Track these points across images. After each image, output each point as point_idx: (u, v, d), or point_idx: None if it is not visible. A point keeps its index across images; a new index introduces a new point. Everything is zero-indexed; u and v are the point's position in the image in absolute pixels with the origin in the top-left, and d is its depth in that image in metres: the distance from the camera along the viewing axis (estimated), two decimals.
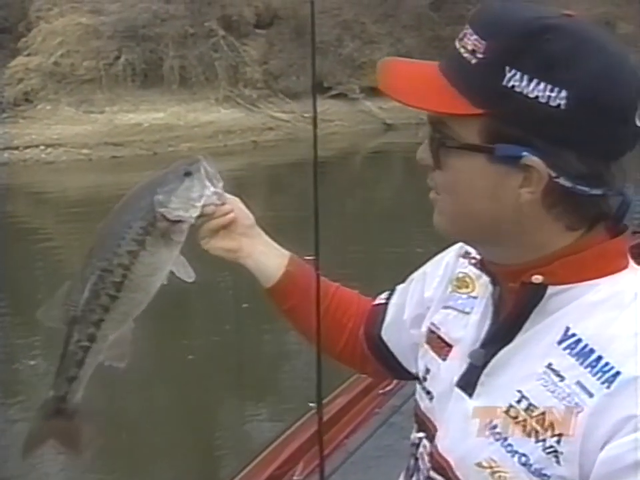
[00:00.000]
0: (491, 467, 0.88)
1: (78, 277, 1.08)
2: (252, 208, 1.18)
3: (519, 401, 0.85)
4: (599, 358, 0.81)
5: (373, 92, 14.22)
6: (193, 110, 14.79)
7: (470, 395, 0.92)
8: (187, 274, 1.09)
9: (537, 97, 0.81)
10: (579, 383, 0.81)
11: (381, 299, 1.20)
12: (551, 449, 0.82)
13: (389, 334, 1.16)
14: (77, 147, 13.95)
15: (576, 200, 0.84)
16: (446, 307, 1.03)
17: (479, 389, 0.91)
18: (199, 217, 1.09)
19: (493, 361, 0.90)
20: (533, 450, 0.84)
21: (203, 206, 1.08)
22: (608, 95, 0.82)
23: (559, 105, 0.80)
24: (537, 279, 0.86)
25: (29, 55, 15.09)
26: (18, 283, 7.89)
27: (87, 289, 1.07)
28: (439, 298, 1.06)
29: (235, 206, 1.15)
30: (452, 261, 1.06)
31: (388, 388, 2.87)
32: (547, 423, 0.83)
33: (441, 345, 1.02)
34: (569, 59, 0.81)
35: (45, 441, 1.12)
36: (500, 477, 0.87)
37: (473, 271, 1.00)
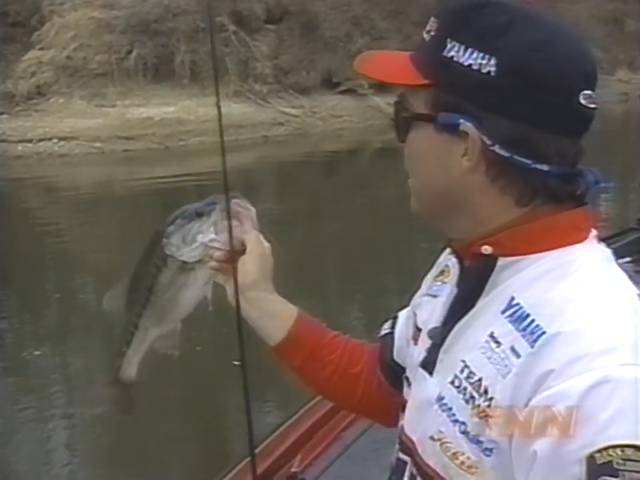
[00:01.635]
0: (440, 440, 0.89)
1: (127, 279, 1.24)
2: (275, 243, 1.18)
3: (461, 371, 0.87)
4: (531, 321, 0.82)
5: (381, 88, 14.20)
6: (204, 104, 14.81)
7: (430, 373, 0.94)
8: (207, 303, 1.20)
9: (470, 64, 0.85)
10: (512, 348, 0.82)
11: (385, 329, 1.19)
12: (483, 414, 0.83)
13: (401, 356, 1.13)
14: (90, 140, 14.03)
15: (519, 173, 0.85)
16: (425, 295, 1.06)
17: (438, 366, 0.92)
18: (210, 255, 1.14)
19: (449, 336, 0.91)
20: (470, 417, 0.85)
21: (209, 247, 1.13)
22: (539, 65, 0.84)
23: (489, 72, 0.84)
24: (486, 249, 0.88)
25: (42, 48, 15.18)
26: (30, 275, 7.97)
27: (132, 286, 1.23)
28: (424, 288, 1.08)
29: (258, 252, 1.15)
30: (442, 257, 1.07)
31: None
32: (482, 389, 0.84)
33: (415, 332, 1.04)
34: (502, 29, 0.85)
35: (112, 402, 1.37)
36: (447, 447, 0.88)
37: (452, 261, 1.00)
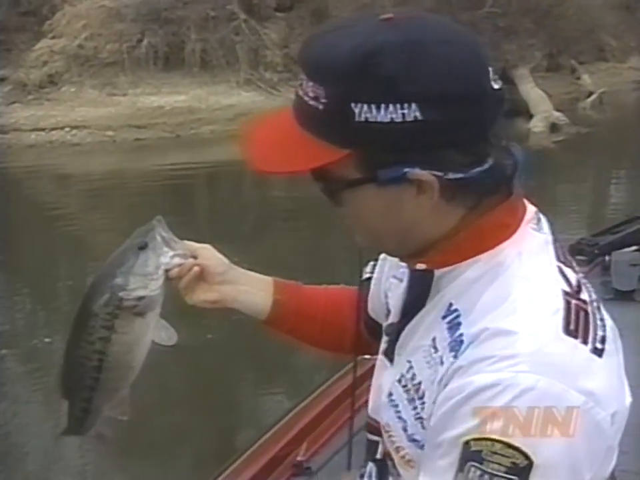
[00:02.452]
0: (387, 432, 0.98)
1: (64, 359, 1.14)
2: (245, 243, 1.21)
3: (407, 371, 0.93)
4: (461, 333, 0.87)
5: None
6: (214, 93, 14.83)
7: (391, 361, 1.00)
8: (169, 337, 1.12)
9: (391, 119, 0.82)
10: (442, 356, 0.88)
11: (366, 272, 1.21)
12: (418, 415, 0.90)
13: (375, 312, 1.19)
14: (101, 128, 14.06)
15: (471, 183, 0.87)
16: (394, 277, 1.08)
17: (395, 358, 0.98)
18: (169, 279, 1.10)
19: (402, 335, 0.96)
20: (410, 417, 0.92)
21: (167, 271, 1.09)
22: (455, 88, 0.83)
23: (415, 118, 0.82)
24: (420, 266, 0.93)
25: (53, 37, 15.18)
26: (41, 262, 8.04)
27: (71, 374, 1.13)
28: (391, 266, 1.11)
29: (204, 256, 1.14)
30: None
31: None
32: (420, 392, 0.91)
33: (386, 313, 1.08)
34: (404, 72, 0.82)
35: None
36: (393, 441, 0.96)
37: None
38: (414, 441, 0.91)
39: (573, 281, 0.89)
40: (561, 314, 0.85)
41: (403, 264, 1.03)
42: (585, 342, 0.84)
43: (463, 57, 0.85)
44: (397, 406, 0.94)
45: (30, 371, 5.63)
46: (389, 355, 1.00)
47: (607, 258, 3.69)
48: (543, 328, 0.83)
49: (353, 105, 0.83)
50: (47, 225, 9.41)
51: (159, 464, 4.52)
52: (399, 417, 0.94)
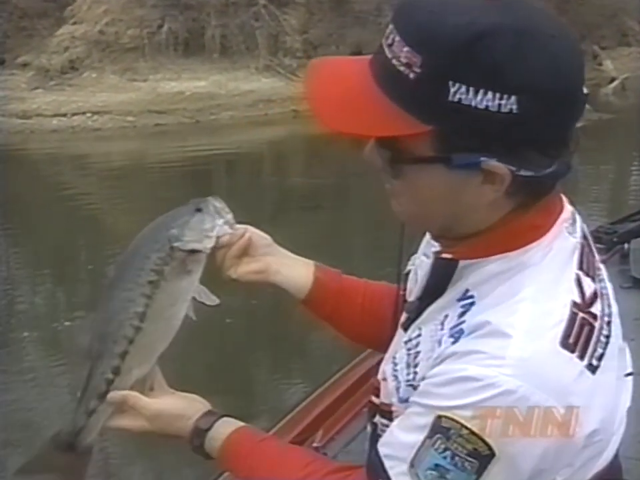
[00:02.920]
0: (384, 379, 1.01)
1: (101, 308, 1.09)
2: (263, 229, 1.17)
3: (415, 337, 0.96)
4: (463, 321, 0.89)
5: None
6: (234, 79, 14.83)
7: (405, 332, 1.01)
8: (210, 299, 1.11)
9: (486, 106, 0.79)
10: (442, 337, 0.90)
11: (409, 264, 1.18)
12: (409, 382, 0.95)
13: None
14: (122, 114, 14.13)
15: (535, 182, 0.85)
16: (424, 254, 1.08)
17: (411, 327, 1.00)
18: (217, 248, 1.11)
19: (421, 316, 0.97)
20: (403, 379, 0.96)
21: (218, 237, 1.10)
22: (556, 86, 0.81)
23: (510, 110, 0.80)
24: (446, 255, 0.94)
25: (74, 23, 15.24)
26: (62, 246, 8.11)
27: (110, 320, 1.07)
28: (424, 245, 1.10)
29: (249, 230, 1.15)
30: None
31: None
32: (416, 360, 0.94)
33: (414, 289, 1.08)
34: (511, 62, 0.79)
35: (45, 472, 1.09)
36: (387, 394, 1.00)
37: None
38: (405, 402, 0.94)
39: (588, 292, 0.89)
40: (562, 325, 0.85)
41: (435, 243, 1.02)
42: (581, 357, 0.85)
43: (568, 55, 0.83)
44: (396, 364, 0.98)
45: (50, 354, 5.70)
46: (406, 327, 1.01)
47: (625, 246, 3.66)
48: (539, 337, 0.84)
49: (450, 82, 0.79)
50: (69, 208, 9.48)
51: (175, 448, 4.56)
52: (395, 376, 0.97)
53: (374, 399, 1.05)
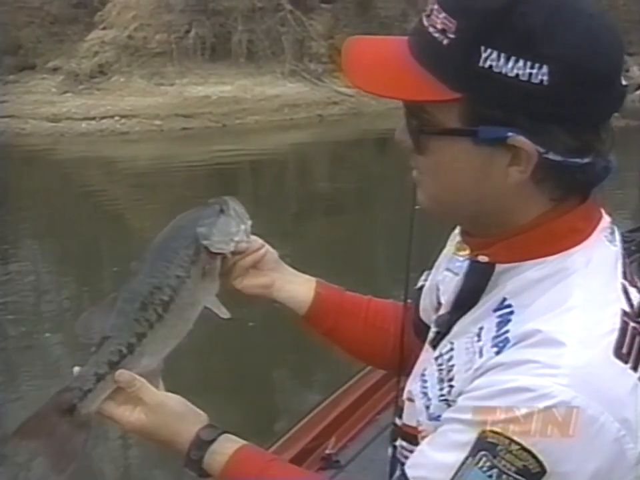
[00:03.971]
0: (410, 399, 0.95)
1: (125, 288, 1.07)
2: (287, 233, 1.21)
3: (447, 351, 0.90)
4: (507, 330, 0.83)
5: None
6: (260, 83, 14.90)
7: (434, 349, 0.94)
8: (221, 311, 1.09)
9: (517, 75, 0.76)
10: (483, 347, 0.84)
11: (421, 280, 1.14)
12: (443, 397, 0.88)
13: (426, 314, 1.11)
14: (150, 117, 14.26)
15: (566, 172, 0.81)
16: (447, 269, 1.03)
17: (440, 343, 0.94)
18: (233, 253, 1.09)
19: (453, 328, 0.91)
20: (435, 396, 0.89)
21: (237, 243, 1.08)
22: (591, 63, 0.78)
23: (541, 81, 0.76)
24: (483, 258, 0.87)
25: (104, 28, 15.43)
26: (88, 247, 8.21)
27: (135, 300, 1.04)
28: (446, 260, 1.04)
29: (257, 245, 1.14)
30: (458, 229, 1.02)
31: None
32: (450, 374, 0.88)
33: (437, 305, 1.02)
34: (546, 31, 0.76)
35: (42, 435, 1.01)
36: (414, 413, 0.93)
37: None
38: (436, 419, 0.88)
39: (635, 302, 0.85)
40: (615, 335, 0.80)
41: (461, 258, 0.97)
42: (634, 368, 0.80)
43: (606, 36, 0.80)
44: (425, 382, 0.92)
45: (73, 354, 5.77)
46: (435, 344, 0.95)
47: None
48: (593, 346, 0.79)
49: (482, 47, 0.77)
50: (96, 211, 9.62)
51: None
52: (424, 393, 0.91)
53: (397, 420, 1.00)
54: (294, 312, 1.17)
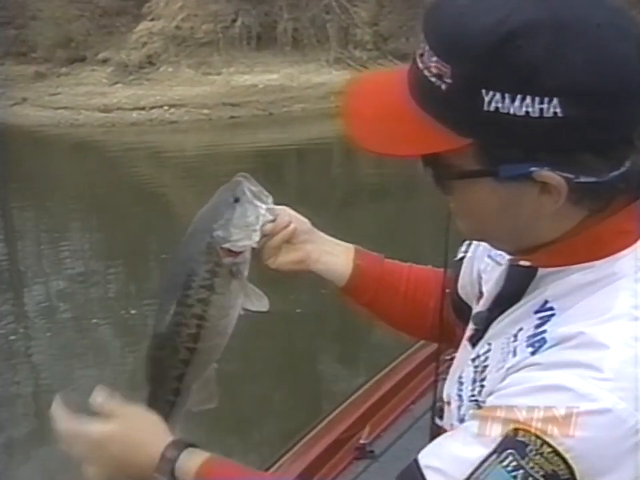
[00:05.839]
0: (448, 403, 0.92)
1: (154, 332, 1.02)
2: (303, 212, 1.10)
3: (484, 353, 0.86)
4: (544, 331, 0.79)
5: None
6: (305, 71, 14.90)
7: (473, 347, 0.91)
8: (260, 303, 1.03)
9: (527, 113, 0.71)
10: (520, 345, 0.80)
11: (461, 251, 1.09)
12: (473, 398, 0.84)
13: (464, 290, 1.07)
14: (198, 107, 14.39)
15: (604, 186, 0.76)
16: (489, 256, 0.99)
17: (479, 342, 0.91)
18: (263, 236, 1.02)
19: (491, 327, 0.88)
20: (467, 397, 0.86)
21: (260, 230, 1.01)
22: (604, 81, 0.72)
23: (555, 114, 0.71)
24: (525, 263, 0.84)
25: (152, 19, 15.62)
26: (136, 236, 8.34)
27: (165, 346, 1.00)
28: (488, 246, 0.99)
29: (289, 215, 1.07)
30: None
31: (455, 354, 2.78)
32: (483, 375, 0.84)
33: (479, 295, 0.99)
34: (548, 61, 0.71)
35: None
36: (449, 416, 0.90)
37: None
38: (464, 420, 0.84)
39: None
40: None
41: None
42: None
43: (617, 44, 0.73)
44: (462, 384, 0.88)
45: (119, 339, 5.90)
46: (474, 342, 0.91)
47: None
48: (638, 352, 0.75)
49: (483, 91, 0.72)
50: (147, 199, 9.74)
51: (240, 433, 4.67)
52: (459, 396, 0.88)
53: (437, 420, 0.97)
54: (332, 283, 1.12)
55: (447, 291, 1.08)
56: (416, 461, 0.78)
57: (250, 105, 14.37)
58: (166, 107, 14.51)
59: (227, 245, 0.99)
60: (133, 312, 6.32)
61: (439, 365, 1.06)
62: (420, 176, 0.83)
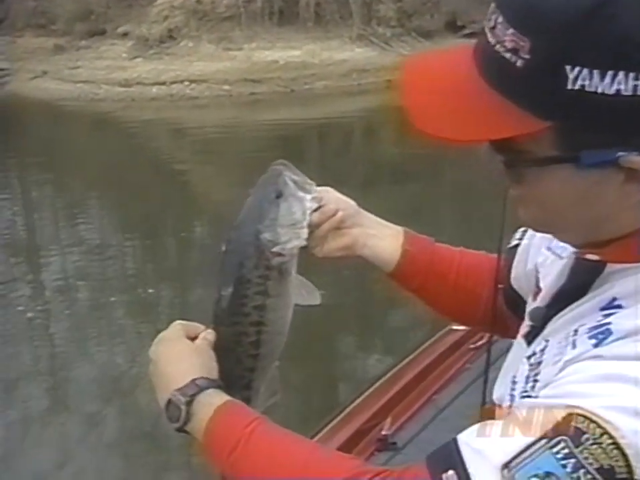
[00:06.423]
0: (499, 406, 0.85)
1: (215, 348, 0.97)
2: (350, 195, 1.06)
3: (541, 350, 0.80)
4: (608, 322, 0.73)
5: None
6: (328, 48, 14.78)
7: (529, 345, 0.85)
8: (312, 296, 1.00)
9: (618, 91, 0.65)
10: (581, 337, 0.74)
11: (515, 239, 1.04)
12: (526, 393, 0.78)
13: (517, 281, 1.02)
14: (219, 82, 14.35)
15: None
16: (548, 248, 0.93)
17: (536, 340, 0.85)
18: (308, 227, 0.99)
19: (549, 324, 0.82)
20: (519, 394, 0.80)
21: (307, 225, 0.97)
22: None
23: None
24: (592, 257, 0.78)
25: None
26: (154, 214, 8.33)
27: (228, 360, 0.97)
28: (546, 238, 0.94)
29: (333, 198, 1.02)
30: None
31: (480, 342, 2.63)
32: (537, 370, 0.78)
33: (536, 290, 0.92)
34: (638, 32, 0.64)
35: None
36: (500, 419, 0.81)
37: None
38: None
39: None
40: None
41: None
42: None
43: None
44: (515, 383, 0.82)
45: (136, 318, 5.88)
46: (530, 339, 0.85)
47: None
48: None
49: (567, 67, 0.65)
50: (165, 176, 9.74)
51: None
52: (512, 395, 0.81)
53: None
54: (379, 268, 1.06)
55: (501, 286, 1.01)
56: (454, 439, 0.72)
57: (271, 82, 14.29)
58: (186, 82, 14.46)
59: (276, 249, 0.96)
60: (150, 290, 6.30)
61: (489, 356, 0.99)
62: (484, 163, 0.75)
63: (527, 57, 0.66)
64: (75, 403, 4.66)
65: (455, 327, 2.75)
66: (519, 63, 0.67)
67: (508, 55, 0.67)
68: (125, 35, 15.69)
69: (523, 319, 0.97)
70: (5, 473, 3.94)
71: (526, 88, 0.67)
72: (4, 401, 4.61)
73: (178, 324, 0.99)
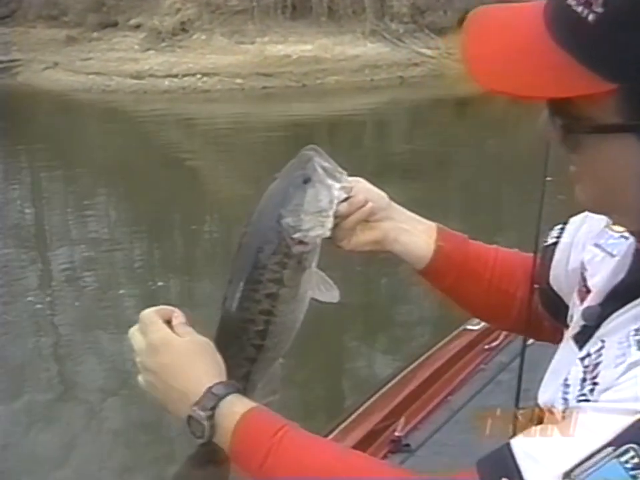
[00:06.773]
0: (549, 411, 0.80)
1: (219, 329, 0.95)
2: (384, 189, 1.01)
3: (597, 350, 0.75)
4: None
5: None
6: (340, 43, 14.72)
7: (580, 348, 0.80)
8: (330, 293, 0.94)
9: None
10: None
11: (552, 236, 0.99)
12: (583, 397, 0.73)
13: (557, 282, 0.98)
14: (231, 76, 14.32)
15: None
16: (596, 245, 0.89)
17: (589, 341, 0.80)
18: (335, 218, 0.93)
19: (605, 322, 0.77)
20: (574, 397, 0.75)
21: (334, 214, 0.92)
22: None
23: None
24: None
25: None
26: (163, 206, 8.31)
27: (230, 345, 0.93)
28: (593, 231, 0.90)
29: (364, 189, 0.98)
30: None
31: (494, 343, 2.63)
32: (594, 372, 0.73)
33: (583, 289, 0.88)
34: None
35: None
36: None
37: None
38: None
39: None
40: None
41: (614, 234, 0.85)
42: None
43: None
44: (568, 386, 0.77)
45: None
46: (582, 340, 0.80)
47: None
48: None
49: None
50: (175, 168, 9.68)
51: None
52: (565, 399, 0.77)
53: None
54: (410, 265, 1.01)
55: (536, 286, 0.96)
56: (508, 444, 0.67)
57: (283, 76, 14.25)
58: (198, 75, 14.44)
59: (297, 236, 0.90)
60: (160, 283, 6.28)
61: (523, 360, 0.95)
62: (541, 129, 0.71)
63: (599, 10, 0.62)
64: (81, 392, 4.66)
65: (469, 327, 2.72)
66: (591, 18, 0.63)
67: (580, 9, 0.64)
68: (137, 27, 15.66)
69: (560, 320, 0.94)
70: (10, 461, 3.94)
71: (595, 45, 0.64)
72: (11, 390, 4.61)
73: (152, 315, 0.93)
